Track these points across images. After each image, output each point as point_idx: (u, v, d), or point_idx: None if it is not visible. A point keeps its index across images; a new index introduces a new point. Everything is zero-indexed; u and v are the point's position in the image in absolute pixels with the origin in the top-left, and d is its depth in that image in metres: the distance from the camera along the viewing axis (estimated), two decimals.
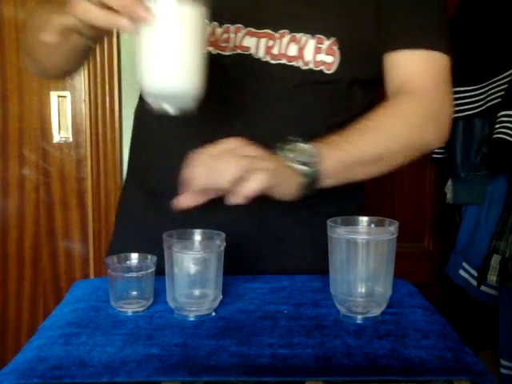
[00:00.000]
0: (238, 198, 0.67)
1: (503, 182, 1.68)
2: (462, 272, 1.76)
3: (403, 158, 0.86)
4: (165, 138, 0.91)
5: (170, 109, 0.67)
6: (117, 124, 1.87)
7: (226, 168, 0.67)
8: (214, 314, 0.70)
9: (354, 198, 0.95)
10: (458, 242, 1.80)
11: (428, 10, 0.88)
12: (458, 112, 1.69)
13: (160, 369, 0.56)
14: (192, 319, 0.68)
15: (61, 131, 1.88)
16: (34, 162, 1.89)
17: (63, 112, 1.87)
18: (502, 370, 1.64)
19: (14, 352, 0.61)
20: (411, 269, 1.90)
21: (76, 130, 1.89)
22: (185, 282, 0.69)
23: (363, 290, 0.67)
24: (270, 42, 0.85)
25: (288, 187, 0.74)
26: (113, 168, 1.89)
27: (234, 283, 0.80)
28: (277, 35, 0.85)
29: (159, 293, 0.76)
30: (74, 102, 1.87)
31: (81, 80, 1.85)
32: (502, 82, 1.62)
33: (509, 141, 1.53)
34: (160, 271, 0.71)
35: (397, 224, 0.68)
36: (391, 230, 0.67)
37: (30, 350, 0.62)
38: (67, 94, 1.86)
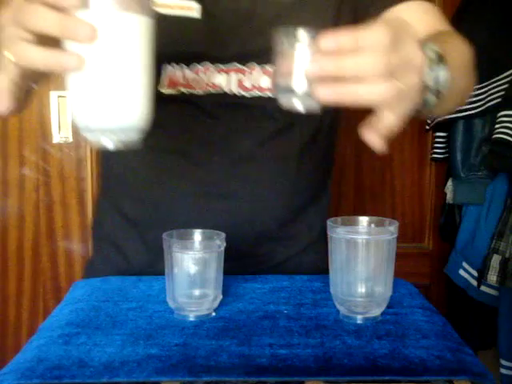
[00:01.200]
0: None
1: (503, 182, 1.68)
2: (462, 272, 1.76)
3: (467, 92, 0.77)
4: (139, 166, 0.89)
5: (110, 143, 0.54)
6: None
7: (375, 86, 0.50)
8: (214, 314, 0.70)
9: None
10: (458, 241, 1.79)
11: None
12: (457, 112, 1.69)
13: (160, 369, 0.56)
14: (192, 319, 0.68)
15: (61, 131, 1.87)
16: (34, 162, 1.89)
17: (63, 112, 1.87)
18: (502, 370, 1.64)
19: (14, 352, 0.61)
20: (411, 269, 1.91)
21: (76, 130, 1.89)
22: (185, 282, 0.69)
23: (363, 290, 0.67)
24: (241, 76, 0.84)
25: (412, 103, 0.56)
26: None
27: (234, 283, 0.80)
28: (246, 69, 0.84)
29: (159, 293, 0.76)
30: None
31: None
32: (502, 82, 1.62)
33: (509, 141, 1.53)
34: (160, 271, 0.71)
35: (397, 224, 0.68)
36: (391, 230, 0.67)
37: (30, 350, 0.62)
38: (67, 93, 1.86)
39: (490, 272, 1.62)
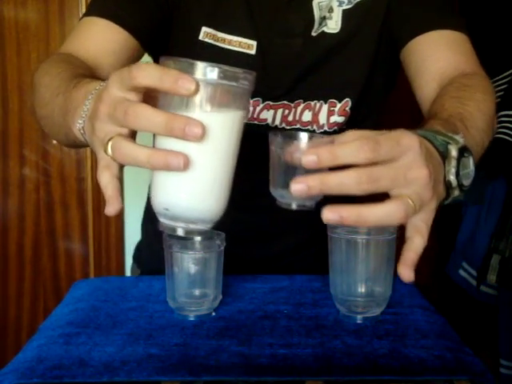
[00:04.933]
0: None
1: (503, 182, 1.68)
2: (461, 272, 1.76)
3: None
4: None
5: (183, 231, 0.52)
6: None
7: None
8: (213, 313, 0.70)
9: None
10: (458, 241, 1.79)
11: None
12: None
13: (160, 369, 0.56)
14: (192, 319, 0.68)
15: None
16: (34, 162, 1.89)
17: None
18: (502, 370, 1.64)
19: (14, 352, 0.61)
20: None
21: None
22: (185, 282, 0.69)
23: (363, 290, 0.67)
24: (286, 112, 0.87)
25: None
26: None
27: (234, 283, 0.80)
28: (292, 105, 0.87)
29: (159, 293, 0.76)
30: None
31: None
32: (501, 81, 1.62)
33: (509, 141, 1.53)
34: (160, 271, 0.72)
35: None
36: (391, 229, 0.67)
37: (30, 349, 0.62)
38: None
39: (489, 272, 1.62)
